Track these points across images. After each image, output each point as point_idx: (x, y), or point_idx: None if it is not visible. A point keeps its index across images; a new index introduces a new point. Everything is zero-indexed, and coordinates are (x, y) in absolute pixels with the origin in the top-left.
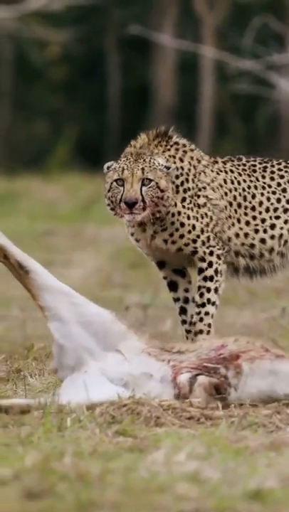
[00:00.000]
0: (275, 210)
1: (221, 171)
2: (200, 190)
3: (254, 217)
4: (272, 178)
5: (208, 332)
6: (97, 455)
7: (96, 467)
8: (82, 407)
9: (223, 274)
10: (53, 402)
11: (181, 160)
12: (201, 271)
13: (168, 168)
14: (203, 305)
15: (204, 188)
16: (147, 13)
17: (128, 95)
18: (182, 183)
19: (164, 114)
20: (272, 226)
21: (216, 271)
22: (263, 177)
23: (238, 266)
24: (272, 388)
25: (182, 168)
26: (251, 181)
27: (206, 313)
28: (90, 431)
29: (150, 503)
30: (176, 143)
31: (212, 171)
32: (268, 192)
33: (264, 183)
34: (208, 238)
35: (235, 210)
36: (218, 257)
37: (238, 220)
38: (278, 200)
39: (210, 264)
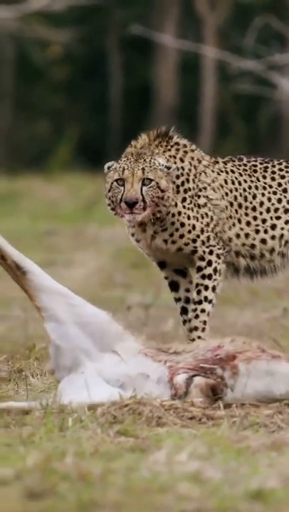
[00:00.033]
0: (276, 210)
1: (222, 172)
2: (200, 190)
3: (255, 218)
4: (273, 179)
5: (204, 329)
6: (99, 455)
7: (97, 467)
8: (83, 407)
9: (222, 273)
10: (54, 402)
11: (182, 160)
12: (199, 269)
13: (168, 168)
14: (200, 302)
15: (205, 188)
16: (149, 13)
17: (130, 95)
18: (183, 183)
19: (166, 114)
20: (273, 226)
21: (215, 270)
22: (264, 177)
23: (239, 266)
24: (269, 389)
25: (183, 168)
26: (252, 181)
27: (202, 311)
28: (91, 431)
29: (152, 503)
30: (177, 143)
31: (213, 171)
32: (269, 192)
33: (265, 183)
34: (208, 238)
35: (236, 211)
36: (218, 256)
37: (239, 221)
38: (279, 201)
39: (209, 263)
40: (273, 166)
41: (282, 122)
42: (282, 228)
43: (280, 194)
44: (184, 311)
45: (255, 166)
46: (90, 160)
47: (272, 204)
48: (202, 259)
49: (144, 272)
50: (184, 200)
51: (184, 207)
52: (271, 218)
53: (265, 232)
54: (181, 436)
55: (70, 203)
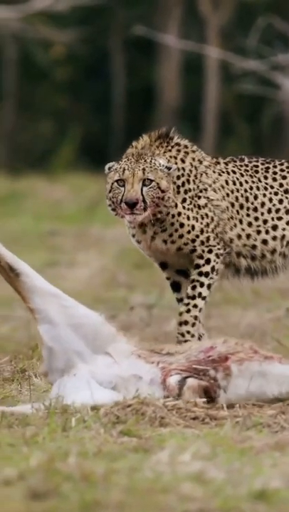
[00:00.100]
0: (277, 211)
1: (223, 172)
2: (201, 191)
3: (256, 219)
4: (274, 179)
5: (194, 324)
6: (102, 455)
7: (101, 467)
8: (86, 407)
9: (219, 273)
10: (57, 403)
11: (183, 161)
12: (197, 266)
13: (169, 168)
14: (193, 297)
15: (206, 189)
16: (152, 13)
17: (133, 95)
18: (183, 184)
19: (169, 114)
20: (275, 227)
21: (213, 268)
22: (266, 178)
23: (240, 267)
24: (262, 389)
25: (183, 169)
26: (253, 182)
27: (195, 306)
28: (94, 431)
29: (155, 503)
30: (178, 144)
31: (214, 171)
32: (270, 193)
33: (266, 183)
34: (208, 238)
35: (238, 211)
36: (217, 256)
37: (240, 221)
38: (280, 201)
39: (207, 261)
40: (275, 167)
41: (286, 123)
42: (283, 229)
43: (282, 195)
44: None
45: (257, 166)
46: (93, 160)
47: (274, 205)
48: (201, 257)
49: (147, 273)
50: (184, 200)
51: (183, 207)
52: (272, 219)
53: (267, 232)
54: (184, 436)
55: (73, 203)
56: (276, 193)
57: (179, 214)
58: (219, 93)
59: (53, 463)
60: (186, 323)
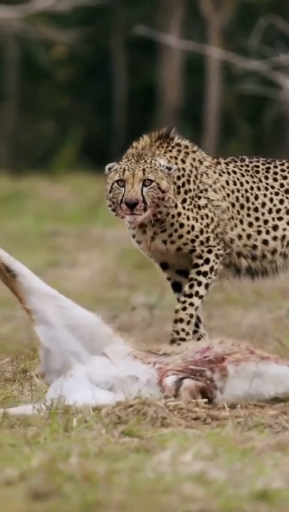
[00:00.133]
0: (278, 211)
1: (224, 172)
2: (201, 191)
3: (257, 219)
4: (275, 179)
5: (189, 322)
6: (103, 455)
7: (102, 467)
8: (88, 407)
9: (218, 274)
10: (58, 403)
11: (183, 161)
12: (196, 266)
13: (169, 169)
14: (190, 295)
15: (206, 189)
16: (153, 13)
17: (134, 96)
18: (183, 184)
19: (170, 114)
20: (275, 227)
21: (212, 268)
22: (266, 178)
23: (240, 267)
24: (258, 390)
25: (184, 169)
26: (254, 182)
27: (191, 304)
28: (96, 431)
29: (156, 504)
30: (178, 144)
31: (214, 172)
32: (271, 193)
33: (267, 184)
34: (208, 239)
35: (238, 211)
36: (217, 256)
37: (241, 222)
38: (281, 202)
39: (206, 261)
40: (275, 167)
41: (287, 123)
42: (284, 229)
43: (282, 195)
44: None
45: (258, 166)
46: (95, 160)
47: (275, 205)
48: (200, 257)
49: (149, 273)
50: (184, 201)
51: (184, 208)
52: (273, 219)
53: (267, 233)
54: (186, 436)
55: (74, 203)
56: (277, 193)
57: (179, 214)
58: (221, 93)
59: (54, 463)
60: (181, 320)
